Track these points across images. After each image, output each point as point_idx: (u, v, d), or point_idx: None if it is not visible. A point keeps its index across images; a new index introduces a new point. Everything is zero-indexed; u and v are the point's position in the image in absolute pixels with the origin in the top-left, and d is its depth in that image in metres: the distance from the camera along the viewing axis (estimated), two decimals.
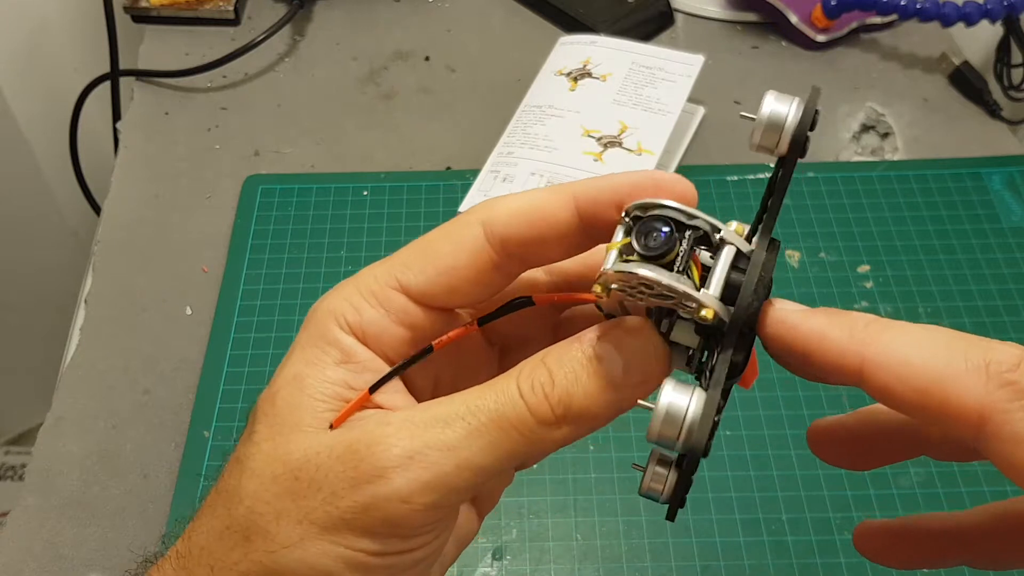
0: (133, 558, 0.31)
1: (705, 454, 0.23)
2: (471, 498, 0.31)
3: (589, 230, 0.26)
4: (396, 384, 0.27)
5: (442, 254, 0.27)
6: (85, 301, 0.61)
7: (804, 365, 0.24)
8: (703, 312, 0.23)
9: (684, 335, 0.26)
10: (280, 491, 0.25)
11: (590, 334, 0.26)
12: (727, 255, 0.24)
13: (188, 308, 0.60)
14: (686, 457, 0.23)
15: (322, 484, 0.25)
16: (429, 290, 0.27)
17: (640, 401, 0.26)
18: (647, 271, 0.23)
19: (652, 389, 0.25)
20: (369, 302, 0.27)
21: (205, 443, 0.53)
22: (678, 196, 0.25)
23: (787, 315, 0.24)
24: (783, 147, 0.25)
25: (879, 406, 0.26)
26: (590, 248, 0.28)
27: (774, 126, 0.25)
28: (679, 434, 0.23)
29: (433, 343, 0.27)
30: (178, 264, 0.62)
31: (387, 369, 0.27)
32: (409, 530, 0.25)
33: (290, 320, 0.59)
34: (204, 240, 0.64)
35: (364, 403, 0.27)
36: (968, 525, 0.28)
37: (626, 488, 0.51)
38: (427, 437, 0.25)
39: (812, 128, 0.25)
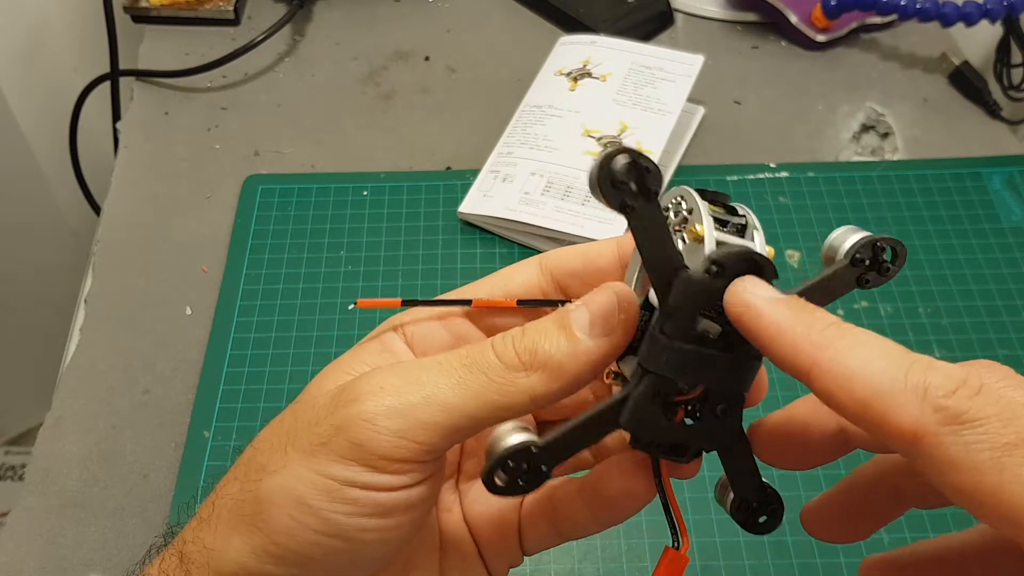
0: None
1: (487, 484, 0.25)
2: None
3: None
4: None
5: (500, 281, 0.31)
6: (85, 301, 0.61)
7: (762, 350, 0.25)
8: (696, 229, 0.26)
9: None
10: (281, 430, 0.29)
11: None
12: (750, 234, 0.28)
13: (188, 308, 0.60)
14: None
15: (311, 415, 0.28)
16: (481, 311, 0.31)
17: (613, 367, 0.28)
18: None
19: (620, 344, 0.26)
20: (438, 321, 0.31)
21: (205, 443, 0.53)
22: None
23: (753, 299, 0.24)
24: (606, 207, 0.26)
25: (859, 470, 0.29)
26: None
27: (592, 192, 0.26)
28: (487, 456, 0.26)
29: (473, 300, 0.31)
30: (178, 264, 0.62)
31: None
32: (376, 459, 0.26)
33: (290, 320, 0.59)
34: (204, 240, 0.64)
35: (393, 305, 0.31)
36: (966, 546, 0.29)
37: None
38: (402, 374, 0.27)
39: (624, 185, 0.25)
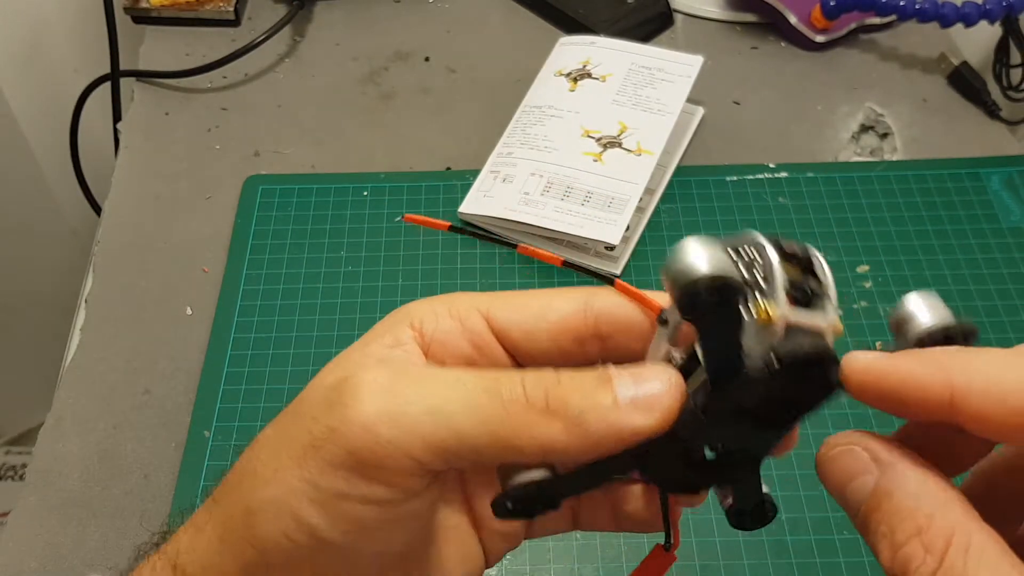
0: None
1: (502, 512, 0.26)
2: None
3: None
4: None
5: (537, 302, 0.28)
6: (85, 301, 0.61)
7: (897, 409, 0.23)
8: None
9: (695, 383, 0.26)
10: (279, 428, 0.27)
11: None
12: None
13: (188, 308, 0.60)
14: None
15: (306, 412, 0.26)
16: (508, 326, 0.28)
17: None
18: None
19: (655, 430, 0.24)
20: (451, 314, 0.28)
21: (205, 443, 0.53)
22: None
23: (871, 364, 0.23)
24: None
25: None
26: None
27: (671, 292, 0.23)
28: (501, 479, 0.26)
29: (519, 245, 0.29)
30: (178, 264, 0.62)
31: None
32: (371, 469, 0.24)
33: (290, 320, 0.59)
34: (204, 240, 0.64)
35: (442, 227, 0.30)
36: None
37: None
38: (412, 380, 0.25)
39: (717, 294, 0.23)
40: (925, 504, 0.22)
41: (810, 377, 0.24)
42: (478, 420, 0.24)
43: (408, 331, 0.28)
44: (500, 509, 0.25)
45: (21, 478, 1.13)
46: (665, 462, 0.25)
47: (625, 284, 0.28)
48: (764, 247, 0.24)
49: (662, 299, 0.27)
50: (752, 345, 0.23)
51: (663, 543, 0.29)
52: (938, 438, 0.26)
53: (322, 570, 0.26)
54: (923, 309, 0.25)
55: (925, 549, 0.21)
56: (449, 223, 0.31)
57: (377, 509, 0.25)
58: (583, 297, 0.28)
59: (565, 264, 0.29)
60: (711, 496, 0.29)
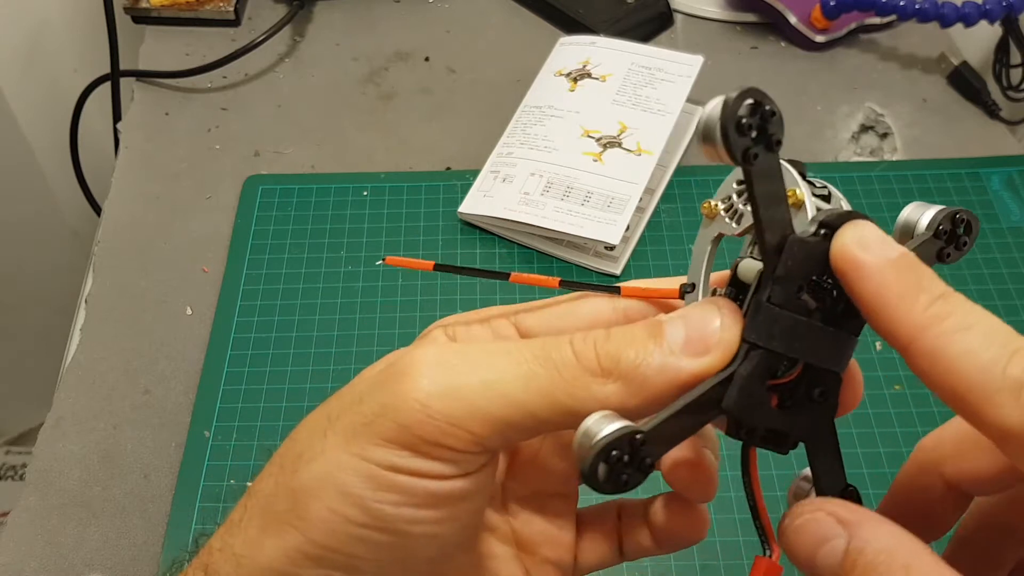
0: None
1: (590, 480, 0.22)
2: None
3: None
4: None
5: (564, 305, 0.28)
6: (85, 301, 0.61)
7: (862, 312, 0.23)
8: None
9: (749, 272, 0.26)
10: (323, 414, 0.26)
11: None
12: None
13: (188, 308, 0.60)
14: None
15: (355, 393, 0.25)
16: (537, 329, 0.28)
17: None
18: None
19: (715, 368, 0.24)
20: (480, 322, 0.29)
21: (205, 443, 0.53)
22: None
23: (861, 255, 0.23)
24: (723, 155, 0.23)
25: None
26: None
27: (709, 138, 0.23)
28: (578, 449, 0.23)
29: (511, 275, 0.28)
30: (178, 264, 0.62)
31: None
32: (423, 444, 0.23)
33: (290, 320, 0.59)
34: (204, 240, 0.64)
35: (424, 267, 0.30)
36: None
37: None
38: (463, 356, 0.24)
39: (762, 134, 0.23)
40: (899, 556, 0.22)
41: None
42: (532, 387, 0.23)
43: (442, 335, 0.29)
44: (592, 477, 0.22)
45: (21, 478, 1.13)
46: (753, 404, 0.24)
47: (631, 288, 0.28)
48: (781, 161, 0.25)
49: (671, 282, 0.27)
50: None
51: (763, 553, 0.27)
52: (917, 504, 0.27)
53: (369, 555, 0.24)
54: (920, 208, 0.26)
55: None
56: (433, 263, 0.30)
57: (429, 484, 0.24)
58: (607, 299, 0.28)
59: (562, 284, 0.28)
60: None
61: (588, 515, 0.32)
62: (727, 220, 0.26)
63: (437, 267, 0.30)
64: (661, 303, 0.28)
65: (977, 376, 0.21)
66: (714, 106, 0.22)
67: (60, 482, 0.52)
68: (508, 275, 0.28)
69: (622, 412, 0.23)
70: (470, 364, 0.24)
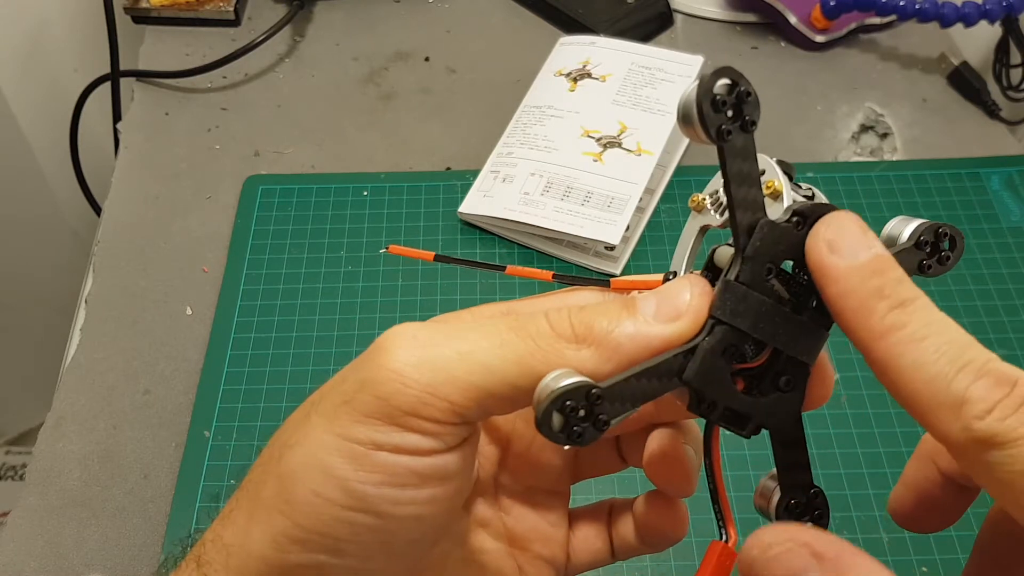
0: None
1: (543, 428, 0.23)
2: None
3: None
4: None
5: (558, 298, 0.29)
6: (85, 301, 0.61)
7: (828, 308, 0.24)
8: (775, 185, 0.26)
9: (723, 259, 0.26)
10: (308, 401, 0.26)
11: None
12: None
13: (188, 308, 0.60)
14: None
15: (337, 380, 0.25)
16: None
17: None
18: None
19: (685, 333, 0.24)
20: (474, 318, 0.28)
21: (205, 443, 0.53)
22: None
23: (830, 258, 0.23)
24: (700, 133, 0.24)
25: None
26: None
27: (687, 117, 0.24)
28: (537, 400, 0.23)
29: (507, 267, 0.29)
30: (178, 264, 0.62)
31: None
32: (402, 415, 0.24)
33: (290, 320, 0.59)
34: (204, 240, 0.64)
35: (426, 257, 0.30)
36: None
37: (625, 486, 0.52)
38: (441, 330, 0.25)
39: (725, 109, 0.24)
40: None
41: None
42: (508, 356, 0.24)
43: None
44: (545, 424, 0.22)
45: (21, 478, 1.13)
46: (715, 379, 0.25)
47: (621, 280, 0.28)
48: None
49: (658, 277, 0.27)
50: (769, 212, 0.25)
51: (718, 537, 0.27)
52: (923, 494, 0.27)
53: (354, 537, 0.25)
54: (904, 221, 0.27)
55: None
56: (434, 253, 0.31)
57: (410, 461, 0.24)
58: (597, 290, 0.29)
59: (555, 278, 0.29)
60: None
61: (581, 513, 0.32)
62: (712, 212, 0.27)
63: (437, 258, 0.30)
64: None
65: (923, 389, 0.21)
66: (692, 87, 0.24)
67: (60, 482, 0.52)
68: (504, 268, 0.29)
69: (594, 378, 0.23)
70: (446, 336, 0.24)
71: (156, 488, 0.52)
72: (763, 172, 0.26)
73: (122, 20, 0.75)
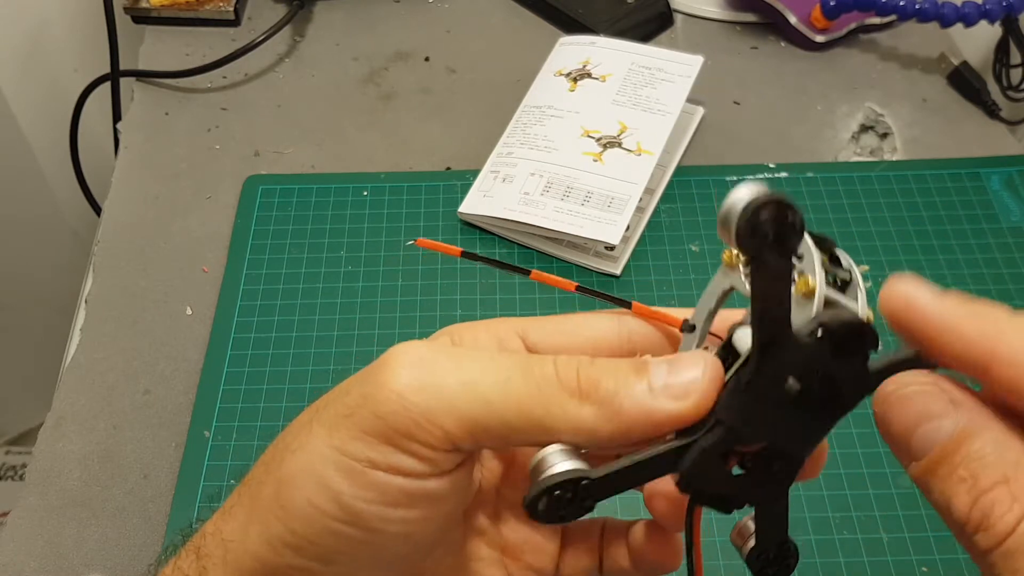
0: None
1: (529, 509, 0.24)
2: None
3: None
4: None
5: (571, 323, 0.29)
6: (85, 301, 0.61)
7: (926, 350, 0.22)
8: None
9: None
10: (309, 410, 0.26)
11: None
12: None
13: (188, 308, 0.60)
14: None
15: (341, 390, 0.26)
16: (544, 344, 0.29)
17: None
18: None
19: (690, 416, 0.24)
20: (488, 332, 0.28)
21: (205, 443, 0.53)
22: None
23: (916, 292, 0.22)
24: (735, 250, 0.24)
25: None
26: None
27: (726, 224, 0.23)
28: (532, 476, 0.24)
29: (531, 271, 0.29)
30: (178, 264, 0.62)
31: None
32: (400, 437, 0.24)
33: (290, 320, 0.59)
34: (204, 240, 0.64)
35: (453, 252, 0.30)
36: None
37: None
38: (448, 356, 0.25)
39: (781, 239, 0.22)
40: (1011, 453, 0.21)
41: (851, 350, 0.23)
42: (509, 395, 0.24)
43: (447, 340, 0.29)
44: (532, 509, 0.23)
45: (21, 478, 1.13)
46: (706, 472, 0.25)
47: (642, 306, 0.28)
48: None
49: (679, 313, 0.27)
50: (796, 315, 0.23)
51: None
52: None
53: (344, 548, 0.25)
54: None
55: (1013, 497, 0.20)
56: (461, 249, 0.31)
57: (403, 482, 0.24)
58: (615, 316, 0.29)
59: (578, 290, 0.29)
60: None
61: (574, 529, 0.32)
62: (743, 279, 0.26)
63: (465, 254, 0.31)
64: (667, 333, 0.29)
65: None
66: (740, 196, 0.22)
67: (60, 482, 0.52)
68: (529, 272, 0.29)
69: (592, 437, 0.24)
70: (452, 364, 0.25)
71: (156, 488, 0.52)
72: (800, 256, 0.24)
73: (122, 20, 0.75)
